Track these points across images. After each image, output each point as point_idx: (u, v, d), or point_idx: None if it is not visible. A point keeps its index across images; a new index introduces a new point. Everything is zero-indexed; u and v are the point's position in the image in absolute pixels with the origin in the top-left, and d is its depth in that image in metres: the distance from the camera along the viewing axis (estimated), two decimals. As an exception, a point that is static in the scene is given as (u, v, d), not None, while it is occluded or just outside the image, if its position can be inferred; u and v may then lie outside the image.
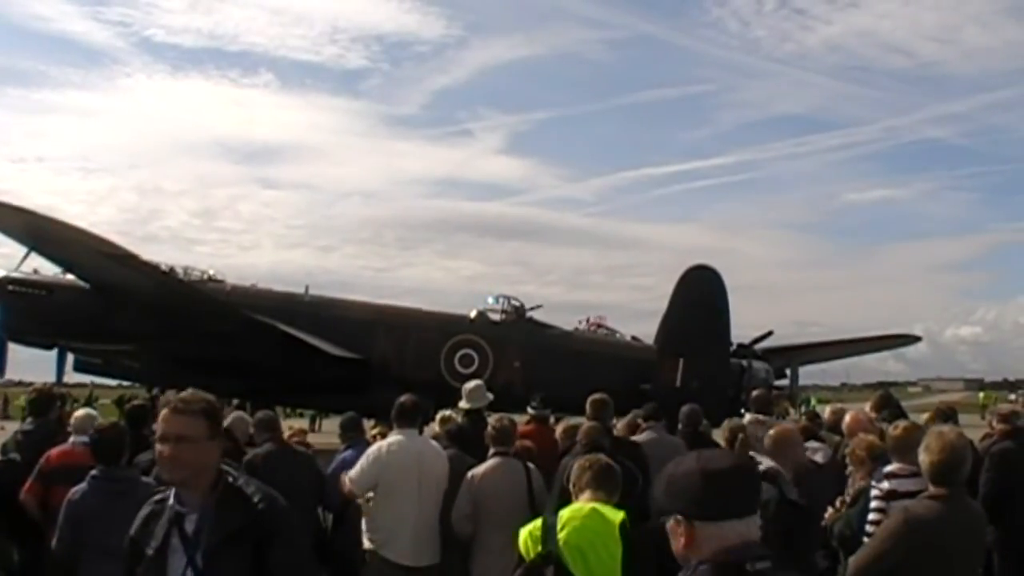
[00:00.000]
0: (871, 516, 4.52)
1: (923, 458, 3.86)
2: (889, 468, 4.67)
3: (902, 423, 5.02)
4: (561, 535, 3.32)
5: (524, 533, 3.39)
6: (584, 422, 6.35)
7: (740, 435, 6.68)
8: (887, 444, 4.91)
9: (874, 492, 4.62)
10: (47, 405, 7.23)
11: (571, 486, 3.73)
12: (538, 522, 3.42)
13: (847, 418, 7.06)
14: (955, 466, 3.83)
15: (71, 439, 6.06)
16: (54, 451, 5.93)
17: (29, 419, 7.10)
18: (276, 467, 6.09)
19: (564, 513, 3.46)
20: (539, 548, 3.30)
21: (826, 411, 8.92)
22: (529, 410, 7.89)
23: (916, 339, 26.33)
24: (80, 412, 6.69)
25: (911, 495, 4.19)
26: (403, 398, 6.00)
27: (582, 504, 3.52)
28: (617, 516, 3.43)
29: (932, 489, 3.84)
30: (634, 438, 7.23)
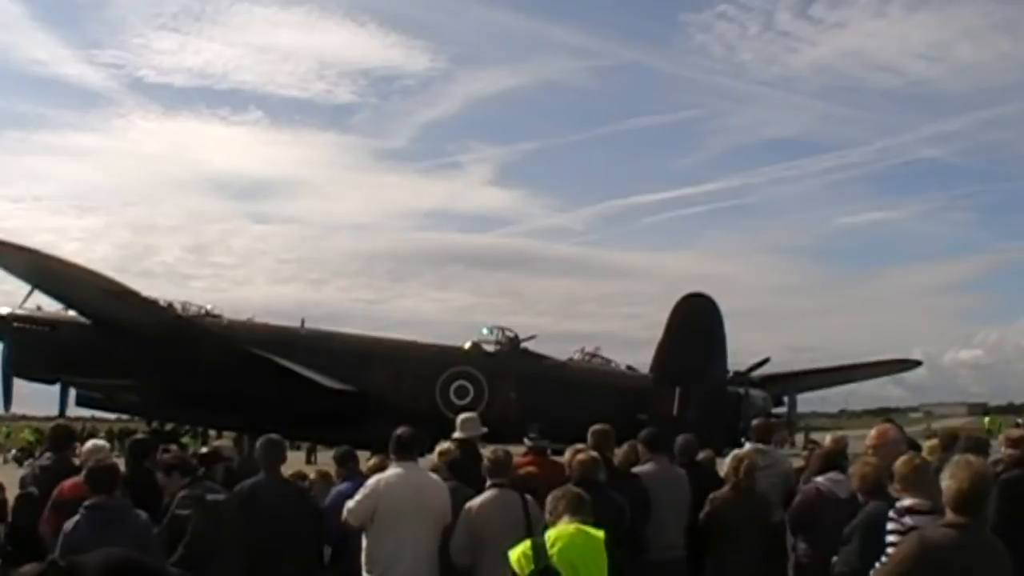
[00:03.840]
0: (890, 551, 4.34)
1: (948, 484, 3.78)
2: (906, 503, 4.56)
3: (912, 455, 4.94)
4: (553, 551, 3.50)
5: (516, 553, 3.56)
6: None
7: (745, 461, 6.80)
8: (899, 474, 4.77)
9: (893, 526, 4.51)
10: (66, 441, 7.43)
11: (547, 515, 3.93)
12: (528, 543, 3.58)
13: (874, 432, 6.33)
14: (980, 496, 3.77)
15: (83, 471, 6.23)
16: (66, 483, 6.12)
17: (48, 454, 7.26)
18: (271, 499, 6.18)
19: (551, 533, 3.65)
20: (532, 566, 3.46)
21: (826, 439, 8.73)
22: (526, 441, 7.91)
23: (916, 363, 26.17)
24: (89, 445, 6.87)
25: None
26: (401, 431, 6.06)
27: (565, 525, 3.72)
28: (599, 532, 3.65)
29: (952, 517, 3.76)
30: (636, 469, 7.11)
